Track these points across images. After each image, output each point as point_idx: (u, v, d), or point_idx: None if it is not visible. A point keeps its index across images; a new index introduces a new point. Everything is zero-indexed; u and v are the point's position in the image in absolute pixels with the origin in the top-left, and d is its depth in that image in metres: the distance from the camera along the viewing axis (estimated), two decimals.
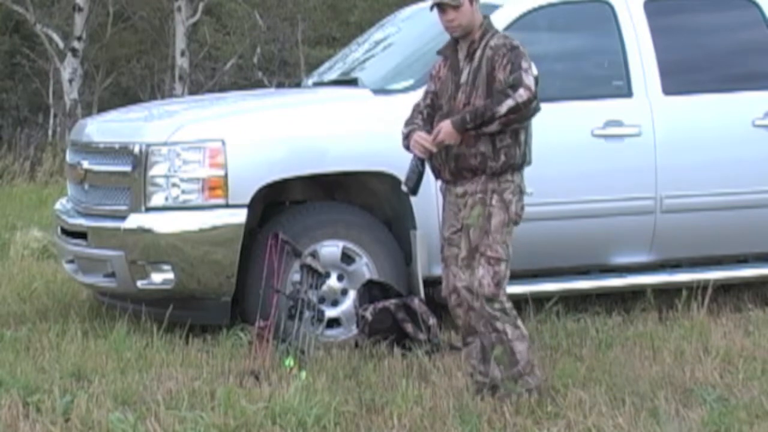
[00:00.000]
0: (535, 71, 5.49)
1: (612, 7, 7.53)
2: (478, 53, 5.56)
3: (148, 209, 6.83)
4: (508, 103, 5.38)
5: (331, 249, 6.92)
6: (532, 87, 5.42)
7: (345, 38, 21.72)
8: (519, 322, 5.63)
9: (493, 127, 5.44)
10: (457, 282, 5.64)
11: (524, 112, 5.42)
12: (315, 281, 6.74)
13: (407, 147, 5.71)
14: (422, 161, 5.64)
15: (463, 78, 5.58)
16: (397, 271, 7.00)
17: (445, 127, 5.50)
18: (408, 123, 5.76)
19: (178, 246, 6.74)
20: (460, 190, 5.63)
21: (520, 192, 5.60)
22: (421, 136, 5.61)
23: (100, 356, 6.46)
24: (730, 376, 6.00)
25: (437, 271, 7.00)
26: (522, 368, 5.56)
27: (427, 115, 5.72)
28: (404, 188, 5.75)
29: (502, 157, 5.51)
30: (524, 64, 5.45)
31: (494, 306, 5.55)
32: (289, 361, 6.25)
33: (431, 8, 5.70)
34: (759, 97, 7.66)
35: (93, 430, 5.25)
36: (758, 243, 7.69)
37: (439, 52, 5.80)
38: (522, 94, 5.39)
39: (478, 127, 5.45)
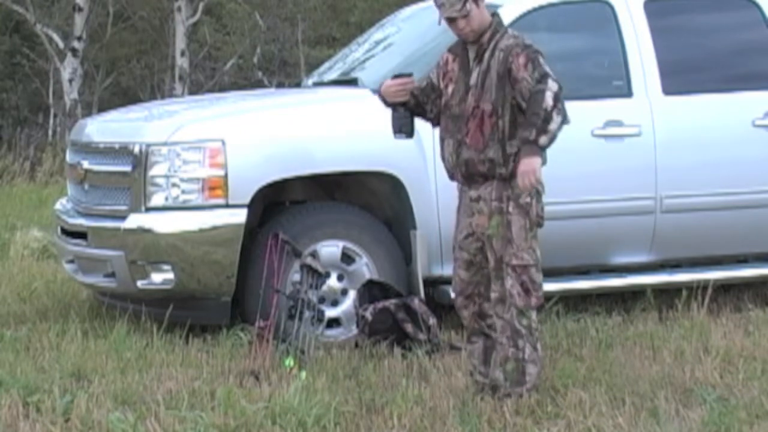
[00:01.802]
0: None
1: (612, 7, 7.53)
2: (487, 55, 5.48)
3: (148, 209, 6.83)
4: (548, 94, 5.30)
5: (331, 249, 6.92)
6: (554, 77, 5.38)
7: (345, 38, 21.69)
8: (539, 345, 5.61)
9: (556, 121, 5.29)
10: (490, 293, 5.58)
11: (561, 98, 5.33)
12: (315, 281, 6.74)
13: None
14: (398, 105, 5.60)
15: (472, 80, 5.51)
16: (397, 271, 6.99)
17: (526, 165, 5.29)
18: None
19: (178, 246, 6.74)
20: (473, 194, 5.57)
21: (538, 194, 5.53)
22: (388, 83, 5.61)
23: (100, 356, 6.46)
24: (730, 376, 6.00)
25: (437, 271, 7.03)
26: (527, 389, 5.53)
27: (414, 96, 5.65)
28: (398, 136, 5.71)
29: (512, 164, 5.44)
30: (542, 59, 5.41)
31: (522, 321, 5.51)
32: (289, 361, 6.25)
33: (439, 23, 5.59)
34: (759, 97, 7.66)
35: (93, 430, 5.25)
36: (758, 243, 7.68)
37: (449, 50, 5.70)
38: (552, 85, 5.32)
39: (545, 131, 5.28)
